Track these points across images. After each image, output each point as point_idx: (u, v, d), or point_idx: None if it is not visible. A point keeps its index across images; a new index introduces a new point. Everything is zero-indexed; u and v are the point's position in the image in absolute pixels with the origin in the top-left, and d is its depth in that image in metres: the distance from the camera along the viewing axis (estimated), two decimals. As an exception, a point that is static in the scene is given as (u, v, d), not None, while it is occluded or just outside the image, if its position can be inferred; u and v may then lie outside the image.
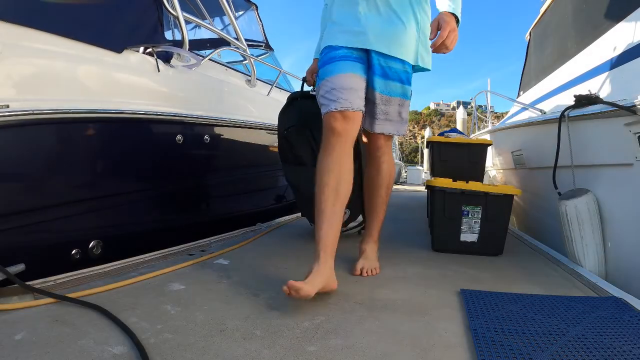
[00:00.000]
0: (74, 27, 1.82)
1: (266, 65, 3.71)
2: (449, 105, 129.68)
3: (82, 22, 1.89)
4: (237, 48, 3.06)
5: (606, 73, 2.15)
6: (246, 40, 3.20)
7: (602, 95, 2.00)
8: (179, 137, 2.33)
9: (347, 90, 1.47)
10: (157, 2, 2.25)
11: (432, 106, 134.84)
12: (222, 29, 3.26)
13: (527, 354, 0.96)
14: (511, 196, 2.03)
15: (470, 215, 2.02)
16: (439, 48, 1.39)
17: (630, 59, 1.95)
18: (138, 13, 2.18)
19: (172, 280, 1.46)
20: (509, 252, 2.08)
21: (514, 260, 1.97)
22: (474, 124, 6.57)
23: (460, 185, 2.03)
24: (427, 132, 18.76)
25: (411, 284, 1.52)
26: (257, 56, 3.57)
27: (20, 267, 1.42)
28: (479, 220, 2.02)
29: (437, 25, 1.38)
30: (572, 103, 2.06)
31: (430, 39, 1.40)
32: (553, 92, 3.03)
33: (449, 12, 1.40)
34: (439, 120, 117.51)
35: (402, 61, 1.54)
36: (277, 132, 2.26)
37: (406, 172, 17.05)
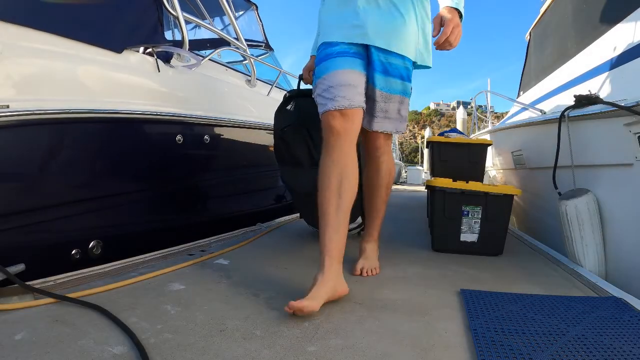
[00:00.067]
0: (74, 27, 1.82)
1: (266, 65, 3.71)
2: (449, 105, 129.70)
3: (82, 22, 1.89)
4: (237, 48, 3.06)
5: (606, 73, 2.15)
6: (246, 40, 3.20)
7: (602, 95, 2.00)
8: (178, 137, 2.33)
9: (346, 87, 1.41)
10: (157, 2, 2.25)
11: (432, 106, 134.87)
12: (222, 29, 3.26)
13: (527, 354, 0.96)
14: (511, 196, 2.03)
15: (470, 215, 2.02)
16: (442, 45, 1.34)
17: (630, 59, 1.95)
18: (138, 13, 2.18)
19: (172, 280, 1.46)
20: (509, 252, 2.08)
21: (514, 260, 1.97)
22: (474, 124, 6.58)
23: (460, 185, 2.03)
24: (427, 132, 18.76)
25: (411, 284, 1.52)
26: (257, 56, 3.57)
27: (20, 267, 1.42)
28: (479, 220, 2.02)
29: (440, 22, 1.33)
30: (572, 103, 2.06)
31: (434, 36, 1.35)
32: (553, 92, 3.03)
33: (451, 7, 1.35)
34: (439, 120, 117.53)
35: (403, 57, 1.49)
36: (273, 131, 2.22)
37: (406, 172, 17.05)
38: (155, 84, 2.22)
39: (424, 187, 3.74)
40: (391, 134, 1.64)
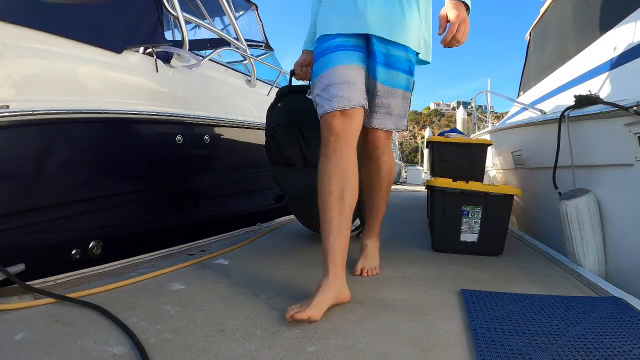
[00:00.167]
0: (73, 27, 1.82)
1: (266, 65, 3.71)
2: (449, 105, 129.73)
3: (81, 22, 1.89)
4: (237, 48, 3.06)
5: (606, 73, 2.15)
6: (246, 40, 3.20)
7: (602, 95, 2.00)
8: (178, 137, 2.33)
9: (344, 84, 1.34)
10: (157, 2, 2.25)
11: (432, 106, 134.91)
12: (222, 29, 3.26)
13: (527, 354, 0.96)
14: (511, 196, 2.03)
15: (470, 215, 2.02)
16: (450, 42, 1.27)
17: (630, 59, 1.95)
18: (138, 13, 2.18)
19: (172, 280, 1.46)
20: (509, 252, 2.08)
21: (514, 260, 1.97)
22: (474, 124, 6.58)
23: (460, 185, 2.03)
24: (427, 132, 18.76)
25: (411, 284, 1.52)
26: (257, 56, 3.57)
27: (20, 267, 1.43)
28: (479, 220, 2.02)
29: (446, 17, 1.25)
30: (572, 103, 2.06)
31: (439, 34, 1.27)
32: (553, 92, 3.03)
33: (457, 0, 1.26)
34: (439, 120, 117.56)
35: (405, 48, 1.40)
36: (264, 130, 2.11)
37: (406, 172, 17.05)
38: (155, 84, 2.22)
39: (424, 187, 3.74)
40: (391, 132, 1.56)
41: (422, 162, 33.11)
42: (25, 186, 1.66)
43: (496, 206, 2.01)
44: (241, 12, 3.79)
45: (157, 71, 2.20)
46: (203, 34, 2.99)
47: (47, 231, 1.75)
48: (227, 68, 3.05)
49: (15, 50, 1.58)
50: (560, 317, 1.19)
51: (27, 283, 1.28)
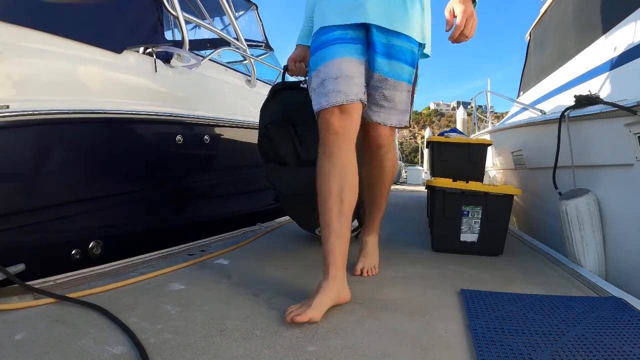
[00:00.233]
0: (73, 27, 1.82)
1: (266, 65, 3.71)
2: (449, 105, 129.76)
3: (81, 22, 1.89)
4: (237, 48, 3.06)
5: (606, 73, 2.15)
6: (246, 40, 3.20)
7: (602, 95, 2.00)
8: (178, 137, 2.33)
9: (342, 78, 1.29)
10: (157, 2, 2.25)
11: (432, 106, 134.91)
12: (222, 29, 3.26)
13: (527, 354, 0.96)
14: (511, 196, 2.03)
15: (470, 215, 2.02)
16: (458, 38, 1.24)
17: (630, 59, 1.95)
18: (138, 13, 2.18)
19: (172, 280, 1.46)
20: (509, 252, 2.08)
21: (514, 260, 1.97)
22: (474, 124, 6.58)
23: (460, 185, 2.03)
24: (427, 132, 18.73)
25: (411, 284, 1.52)
26: (257, 56, 3.57)
27: (20, 267, 1.43)
28: (479, 220, 2.02)
29: (452, 12, 1.22)
30: (572, 103, 2.06)
31: (446, 30, 1.24)
32: (553, 92, 3.04)
33: None
34: (439, 120, 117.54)
35: (408, 38, 1.34)
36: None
37: (406, 172, 17.04)
38: (156, 84, 2.22)
39: (424, 187, 3.74)
40: (395, 128, 1.50)
41: (422, 162, 33.10)
42: (25, 186, 1.66)
43: (496, 206, 2.01)
44: (241, 12, 3.79)
45: (157, 71, 2.20)
46: (203, 34, 2.99)
47: (47, 231, 1.75)
48: (227, 68, 3.05)
49: (15, 50, 1.58)
50: (560, 317, 1.19)
51: (27, 283, 1.28)
